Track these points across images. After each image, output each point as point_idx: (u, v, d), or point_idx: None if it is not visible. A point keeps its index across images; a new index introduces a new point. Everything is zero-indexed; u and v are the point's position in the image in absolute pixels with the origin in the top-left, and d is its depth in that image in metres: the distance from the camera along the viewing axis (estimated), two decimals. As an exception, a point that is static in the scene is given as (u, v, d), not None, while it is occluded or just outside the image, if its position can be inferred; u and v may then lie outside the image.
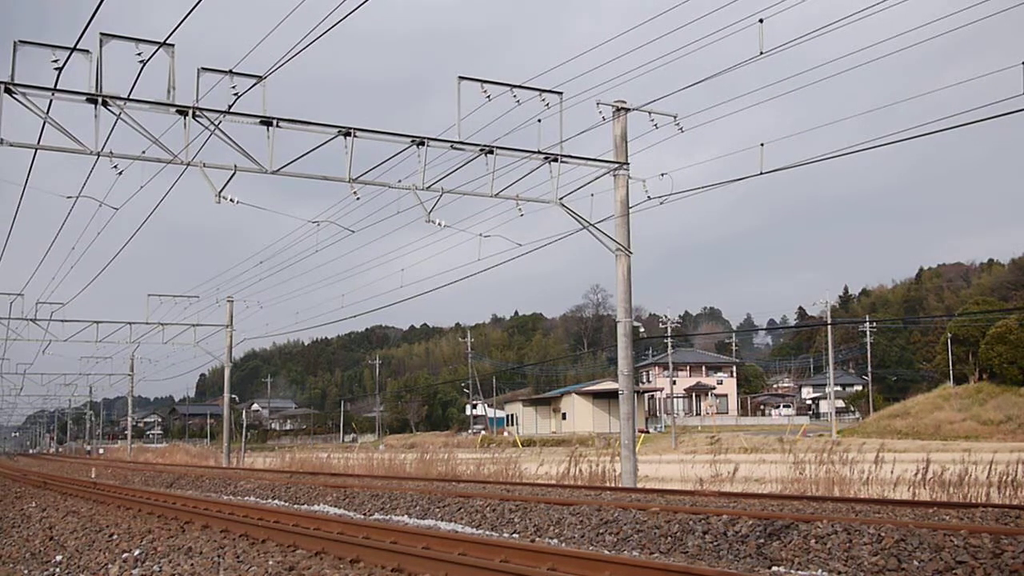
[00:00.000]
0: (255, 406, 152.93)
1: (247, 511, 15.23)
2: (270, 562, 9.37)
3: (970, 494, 16.76)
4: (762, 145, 18.63)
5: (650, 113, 21.27)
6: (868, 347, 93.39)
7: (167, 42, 16.73)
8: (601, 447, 45.11)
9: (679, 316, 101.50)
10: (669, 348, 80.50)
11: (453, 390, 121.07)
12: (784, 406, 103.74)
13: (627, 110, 21.45)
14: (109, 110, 17.26)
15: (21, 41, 16.65)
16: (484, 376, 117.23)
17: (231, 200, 19.20)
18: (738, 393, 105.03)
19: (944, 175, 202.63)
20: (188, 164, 18.17)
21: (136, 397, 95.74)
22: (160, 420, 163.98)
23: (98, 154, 17.69)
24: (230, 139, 18.28)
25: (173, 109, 17.69)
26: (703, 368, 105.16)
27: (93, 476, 33.92)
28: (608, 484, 21.63)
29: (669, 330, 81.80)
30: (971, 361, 72.77)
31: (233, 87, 17.67)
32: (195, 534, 12.29)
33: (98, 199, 22.17)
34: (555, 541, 11.23)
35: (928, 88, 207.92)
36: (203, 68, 17.77)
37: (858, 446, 25.05)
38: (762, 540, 9.54)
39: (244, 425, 66.88)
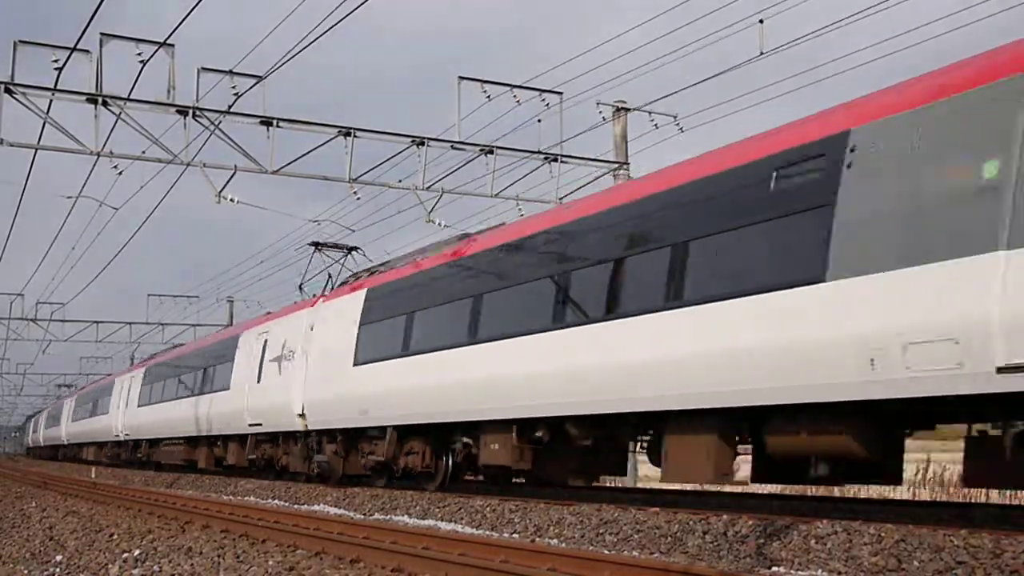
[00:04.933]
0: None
1: (247, 511, 15.23)
2: (270, 562, 9.37)
3: (970, 494, 16.76)
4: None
5: (650, 113, 21.31)
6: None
7: (167, 42, 16.74)
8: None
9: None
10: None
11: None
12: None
13: (627, 110, 21.47)
14: (109, 110, 17.25)
15: (21, 41, 16.65)
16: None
17: (231, 200, 19.22)
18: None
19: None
20: (188, 164, 18.18)
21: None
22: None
23: (98, 154, 17.70)
24: (230, 139, 18.30)
25: (173, 109, 17.70)
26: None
27: (93, 476, 33.93)
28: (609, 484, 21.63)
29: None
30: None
31: (233, 87, 17.69)
32: (195, 534, 12.29)
33: (98, 199, 22.21)
34: (555, 541, 11.23)
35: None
36: (203, 68, 17.79)
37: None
38: (762, 540, 9.54)
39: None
